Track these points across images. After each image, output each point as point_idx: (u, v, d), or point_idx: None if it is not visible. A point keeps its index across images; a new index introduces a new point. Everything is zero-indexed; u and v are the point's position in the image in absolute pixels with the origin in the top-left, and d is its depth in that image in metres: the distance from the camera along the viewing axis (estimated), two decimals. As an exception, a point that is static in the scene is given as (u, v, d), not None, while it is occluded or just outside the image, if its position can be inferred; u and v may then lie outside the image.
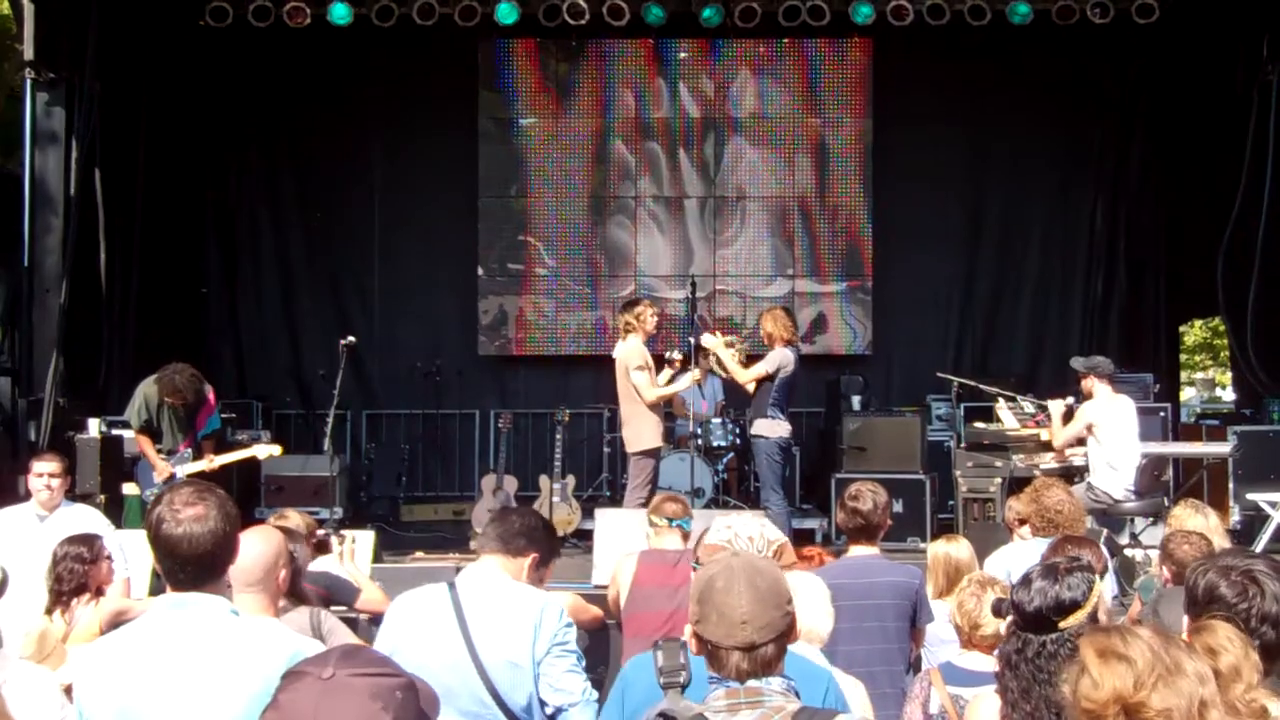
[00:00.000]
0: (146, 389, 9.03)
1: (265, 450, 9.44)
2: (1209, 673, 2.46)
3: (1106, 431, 8.94)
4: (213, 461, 8.96)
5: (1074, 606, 3.41)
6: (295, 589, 5.11)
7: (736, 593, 2.75)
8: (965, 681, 4.42)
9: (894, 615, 5.43)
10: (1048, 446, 9.68)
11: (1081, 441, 9.28)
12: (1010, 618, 3.48)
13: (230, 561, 3.19)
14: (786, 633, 2.78)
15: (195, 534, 3.04)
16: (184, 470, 8.87)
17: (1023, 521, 6.66)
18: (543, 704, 3.91)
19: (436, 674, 3.54)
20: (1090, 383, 9.15)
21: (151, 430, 9.12)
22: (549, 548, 4.35)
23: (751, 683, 2.73)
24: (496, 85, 14.17)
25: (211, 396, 9.27)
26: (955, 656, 4.65)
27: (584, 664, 4.08)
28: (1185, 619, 3.33)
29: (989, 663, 4.48)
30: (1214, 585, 3.23)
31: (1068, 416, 9.55)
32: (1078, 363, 9.44)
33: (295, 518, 6.06)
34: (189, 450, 9.09)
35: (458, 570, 4.58)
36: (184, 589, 3.09)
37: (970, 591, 4.66)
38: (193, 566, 3.07)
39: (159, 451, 9.11)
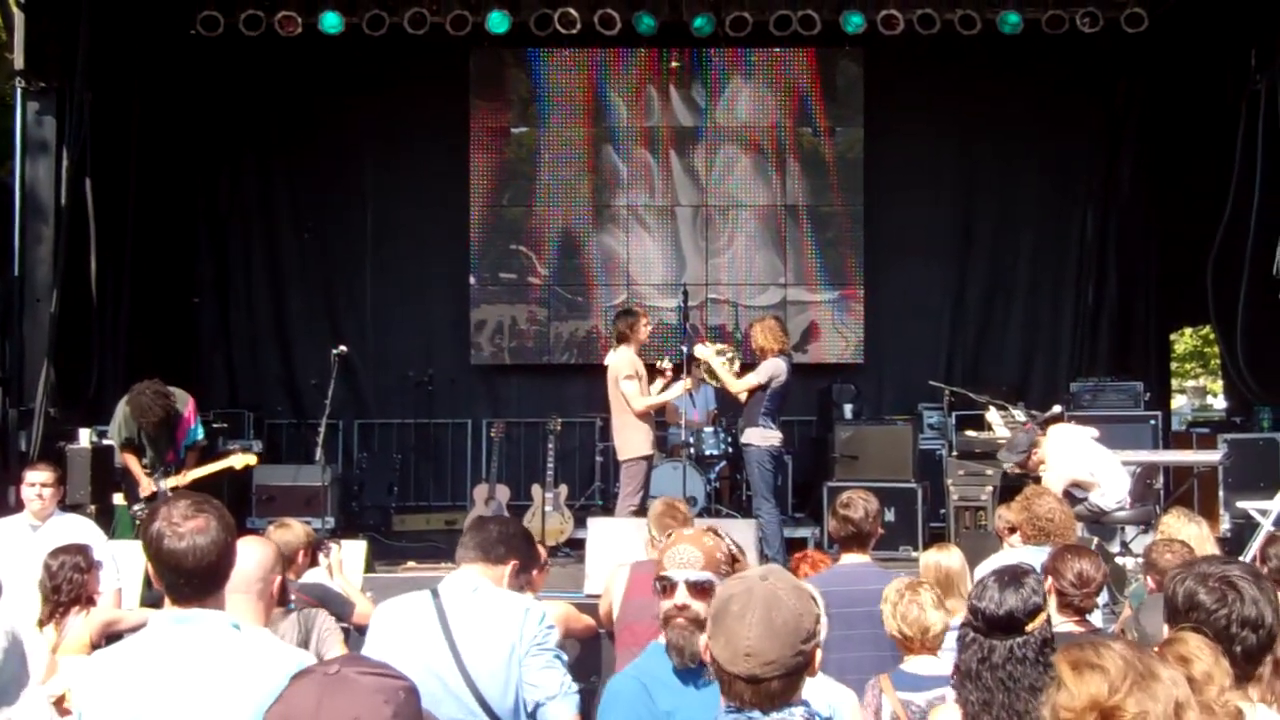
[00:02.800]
0: (124, 408, 8.98)
1: (242, 459, 9.36)
2: (1182, 678, 2.49)
3: (1096, 469, 8.91)
4: (185, 476, 8.89)
5: (1037, 610, 3.45)
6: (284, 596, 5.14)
7: (748, 623, 2.65)
8: (916, 686, 4.47)
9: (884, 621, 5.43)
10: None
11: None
12: (967, 627, 3.50)
13: (231, 571, 3.19)
14: (798, 670, 2.67)
15: (199, 546, 3.04)
16: (166, 485, 8.84)
17: (1013, 529, 6.67)
18: (523, 702, 3.92)
19: (421, 681, 3.55)
20: (1040, 450, 9.02)
21: (135, 447, 9.09)
22: (528, 555, 4.36)
23: (775, 713, 2.65)
24: (488, 94, 14.18)
25: (189, 409, 9.16)
26: (903, 662, 4.68)
27: (564, 661, 4.09)
28: (1165, 628, 3.34)
29: (938, 665, 4.50)
30: (1193, 592, 3.24)
31: (1055, 423, 9.58)
32: (1011, 456, 9.28)
33: (297, 527, 6.07)
34: (171, 464, 9.05)
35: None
36: (187, 602, 3.08)
37: (908, 599, 4.69)
38: (198, 579, 3.07)
39: (143, 467, 9.07)
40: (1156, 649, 3.02)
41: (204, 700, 2.94)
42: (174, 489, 8.67)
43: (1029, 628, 3.40)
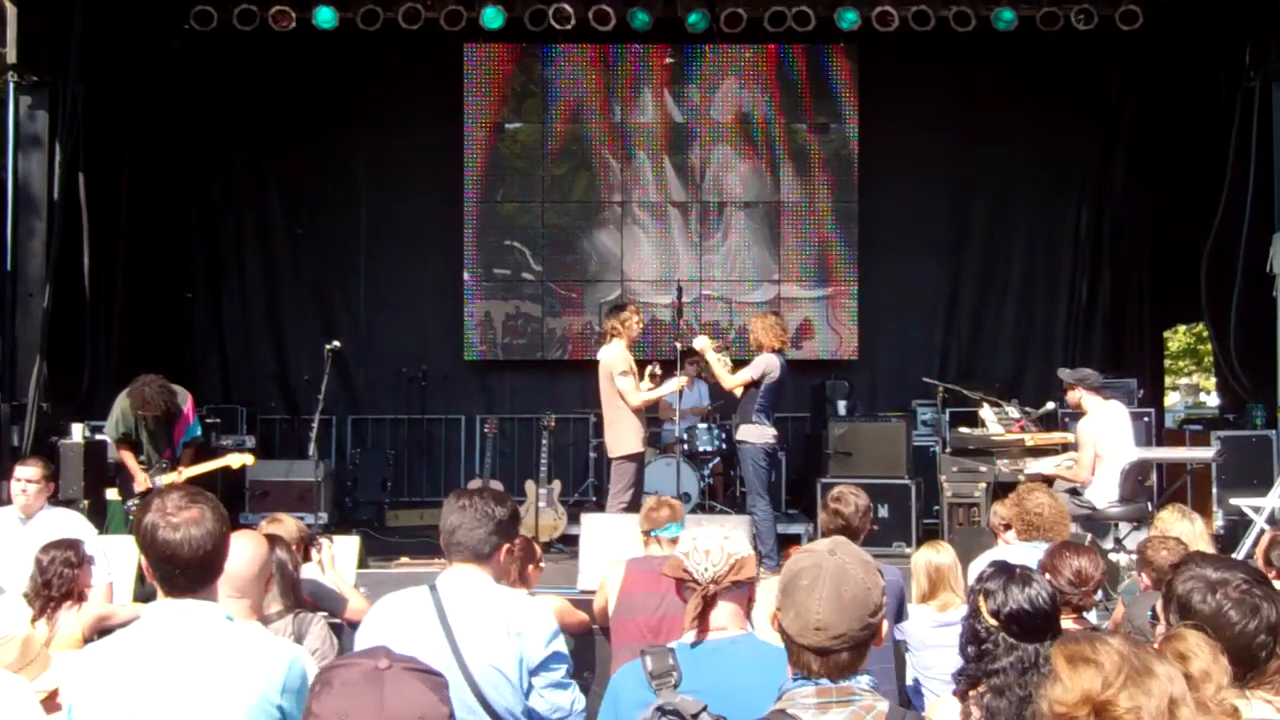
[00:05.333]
0: (123, 402, 8.96)
1: (239, 459, 9.31)
2: (1179, 675, 2.49)
3: (1103, 447, 8.94)
4: (180, 474, 8.87)
5: (1059, 604, 3.43)
6: (297, 596, 5.11)
7: (817, 597, 2.70)
8: None
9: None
10: (1032, 452, 9.69)
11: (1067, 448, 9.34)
12: (999, 634, 3.45)
13: (224, 562, 3.17)
14: (865, 642, 2.73)
15: (194, 537, 3.02)
16: (160, 482, 8.83)
17: (1008, 525, 6.67)
18: (532, 711, 3.87)
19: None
20: (1078, 394, 9.14)
21: (131, 442, 9.06)
22: (515, 531, 4.21)
23: (843, 681, 2.70)
24: (482, 90, 14.16)
25: (188, 405, 9.13)
26: None
27: (572, 670, 4.04)
28: (1161, 626, 3.33)
29: None
30: (1220, 607, 3.20)
31: (1049, 420, 9.56)
32: (1065, 374, 9.43)
33: (289, 522, 6.05)
34: (167, 461, 9.04)
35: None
36: (181, 594, 3.06)
37: None
38: (193, 570, 3.04)
39: (140, 463, 9.05)
40: (1156, 645, 3.02)
41: (197, 692, 2.92)
42: (169, 485, 8.63)
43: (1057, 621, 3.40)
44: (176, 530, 3.02)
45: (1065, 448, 9.52)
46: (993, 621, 3.49)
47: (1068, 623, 4.68)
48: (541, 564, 6.37)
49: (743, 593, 3.64)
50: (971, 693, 3.47)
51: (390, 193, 14.14)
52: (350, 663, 2.45)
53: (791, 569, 2.82)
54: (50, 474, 7.65)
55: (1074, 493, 8.92)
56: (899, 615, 5.65)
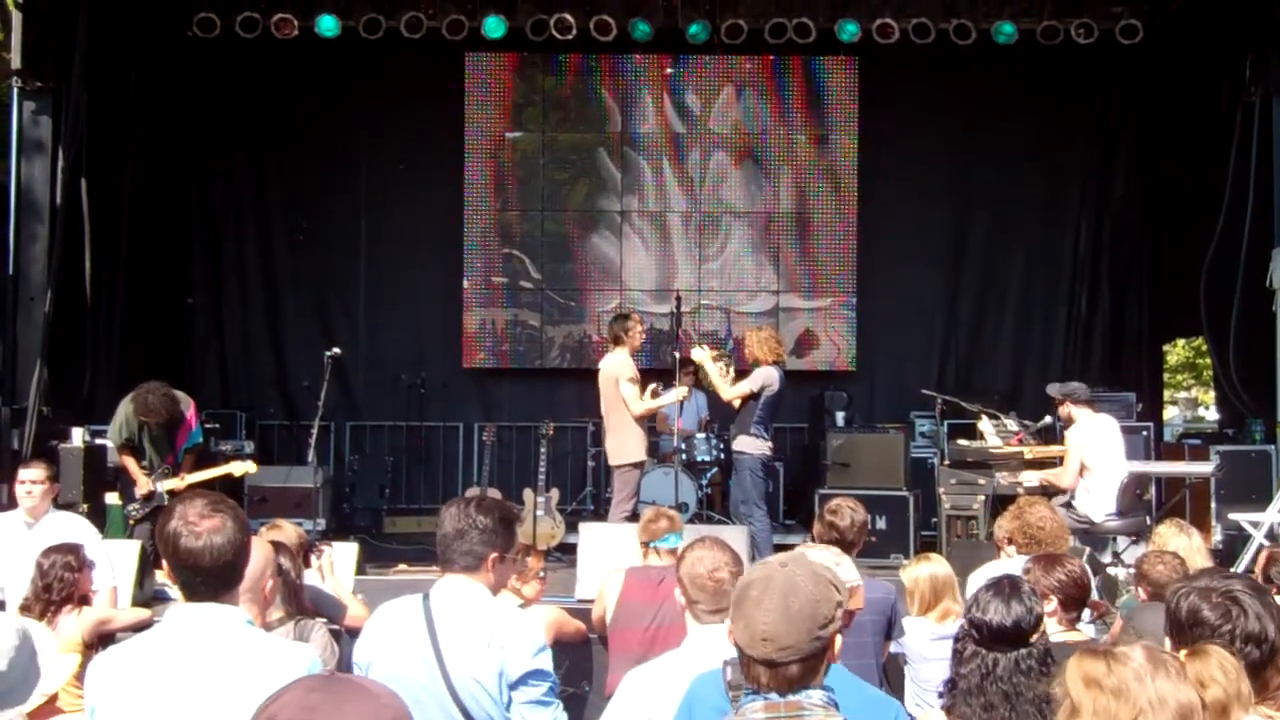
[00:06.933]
0: (126, 408, 9.00)
1: (241, 467, 9.35)
2: (1196, 702, 2.48)
3: (1091, 457, 8.96)
4: (184, 480, 8.89)
5: (1039, 620, 3.45)
6: (299, 603, 5.12)
7: (765, 608, 2.68)
8: None
9: (870, 630, 5.44)
10: (1030, 465, 9.70)
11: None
12: (966, 640, 3.48)
13: (245, 569, 3.21)
14: (816, 655, 2.69)
15: (217, 544, 3.06)
16: (162, 487, 8.86)
17: (1011, 539, 6.68)
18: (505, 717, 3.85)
19: (407, 685, 3.53)
20: (1068, 409, 9.16)
21: (133, 448, 9.09)
22: (508, 540, 4.13)
23: (792, 696, 2.67)
24: (483, 99, 14.19)
25: (191, 412, 9.18)
26: None
27: (557, 688, 4.00)
28: (1168, 642, 3.34)
29: None
30: (1196, 609, 3.23)
31: (1047, 433, 9.59)
32: (1054, 389, 9.46)
33: (288, 528, 6.06)
34: (169, 466, 9.05)
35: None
36: (202, 600, 3.10)
37: None
38: (215, 577, 3.09)
39: (141, 468, 9.07)
40: (1185, 656, 3.01)
41: (219, 695, 2.95)
42: (171, 492, 8.71)
43: (1032, 639, 3.41)
44: (199, 538, 3.06)
45: (1064, 461, 9.55)
46: (965, 624, 3.54)
47: (1071, 634, 4.68)
48: (543, 574, 6.37)
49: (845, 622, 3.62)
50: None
51: (391, 200, 14.16)
52: (287, 688, 2.41)
53: (743, 582, 2.81)
54: (53, 475, 7.72)
55: (1069, 506, 8.94)
56: (889, 632, 5.62)
